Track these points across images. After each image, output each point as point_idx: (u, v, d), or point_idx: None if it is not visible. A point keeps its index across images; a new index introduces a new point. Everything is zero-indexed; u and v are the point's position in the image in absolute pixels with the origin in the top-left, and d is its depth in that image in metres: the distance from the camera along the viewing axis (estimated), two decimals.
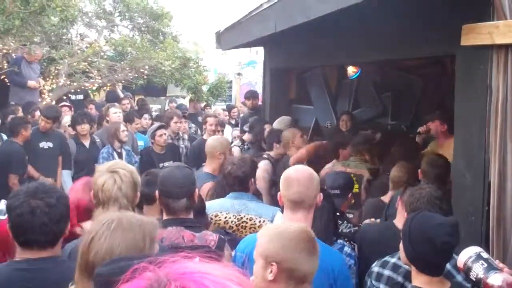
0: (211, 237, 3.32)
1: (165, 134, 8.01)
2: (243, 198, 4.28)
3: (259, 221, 4.11)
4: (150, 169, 4.74)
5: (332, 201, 4.00)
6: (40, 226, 2.55)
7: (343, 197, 4.64)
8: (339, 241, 3.81)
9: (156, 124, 8.56)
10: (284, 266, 2.42)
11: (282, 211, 3.50)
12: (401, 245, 2.96)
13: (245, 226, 4.13)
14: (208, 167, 5.56)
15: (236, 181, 4.32)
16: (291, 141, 6.36)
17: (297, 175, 3.20)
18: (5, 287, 2.55)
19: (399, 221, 3.78)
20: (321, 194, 3.27)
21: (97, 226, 2.15)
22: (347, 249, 3.79)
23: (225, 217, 4.17)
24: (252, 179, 4.44)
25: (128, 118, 9.30)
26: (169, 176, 3.48)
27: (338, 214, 4.26)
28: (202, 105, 13.15)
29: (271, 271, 2.45)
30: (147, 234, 2.12)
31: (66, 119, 9.03)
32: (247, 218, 4.17)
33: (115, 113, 9.07)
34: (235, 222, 4.16)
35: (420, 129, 6.90)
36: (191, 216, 3.44)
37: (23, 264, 2.59)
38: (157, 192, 3.47)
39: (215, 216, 4.19)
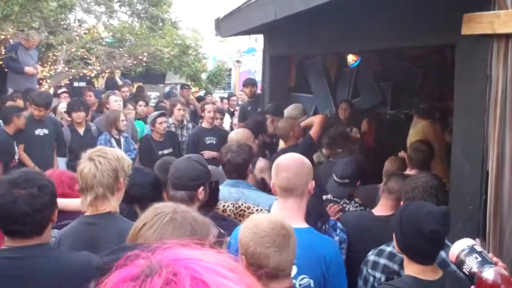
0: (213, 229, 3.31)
1: (165, 121, 8.02)
2: (240, 186, 4.29)
3: (257, 210, 4.11)
4: (157, 158, 4.78)
5: (321, 188, 4.09)
6: (22, 216, 2.52)
7: (352, 186, 4.69)
8: (331, 219, 3.89)
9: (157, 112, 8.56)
10: (251, 260, 2.38)
11: None
12: (394, 235, 2.96)
13: (243, 215, 4.12)
14: None
15: (235, 168, 4.33)
16: (290, 131, 6.31)
17: (287, 162, 3.18)
18: None
19: (379, 208, 4.05)
20: (313, 182, 3.23)
21: (151, 214, 2.15)
22: (339, 224, 3.86)
23: (223, 206, 4.16)
24: (250, 166, 4.44)
25: (124, 104, 9.36)
26: (173, 166, 3.54)
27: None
28: (193, 93, 13.10)
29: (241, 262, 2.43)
30: (197, 235, 2.07)
31: (63, 105, 9.02)
32: (245, 207, 4.18)
33: (115, 101, 9.07)
34: (233, 210, 4.17)
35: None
36: (193, 209, 3.43)
37: (8, 252, 2.58)
38: None
39: None
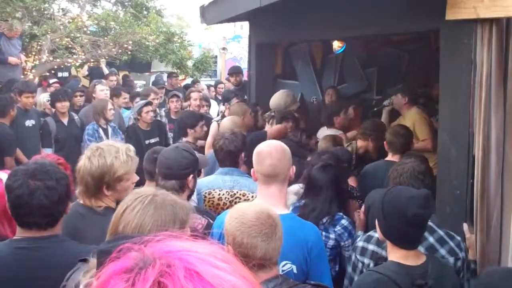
0: (199, 220, 3.33)
1: (151, 111, 7.98)
2: (233, 174, 4.28)
3: (252, 197, 4.10)
4: (144, 147, 4.73)
5: (337, 174, 4.09)
6: (39, 208, 2.53)
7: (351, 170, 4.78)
8: (340, 213, 3.92)
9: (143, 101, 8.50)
10: (238, 250, 2.37)
11: None
12: (376, 221, 2.98)
13: (239, 202, 4.10)
14: None
15: (228, 155, 4.32)
16: (242, 117, 6.19)
17: (270, 149, 3.20)
18: (7, 265, 2.54)
19: None
20: (293, 167, 3.27)
21: (131, 198, 2.16)
22: (344, 222, 3.89)
23: (219, 194, 4.16)
24: (242, 154, 4.43)
25: (115, 93, 9.26)
26: (162, 156, 3.54)
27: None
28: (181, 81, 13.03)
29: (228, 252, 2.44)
30: (178, 216, 2.11)
31: (44, 95, 8.94)
32: (240, 194, 4.18)
33: (102, 90, 9.02)
34: (228, 198, 4.17)
35: (384, 103, 7.16)
36: (183, 198, 3.44)
37: (23, 242, 2.58)
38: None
39: (209, 194, 4.19)
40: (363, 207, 4.31)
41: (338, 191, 4.01)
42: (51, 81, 10.54)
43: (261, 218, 2.43)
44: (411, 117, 6.62)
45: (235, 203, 4.10)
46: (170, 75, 12.52)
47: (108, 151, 3.14)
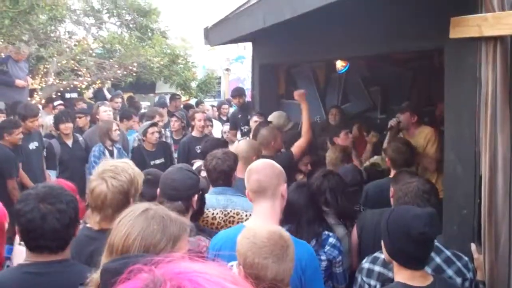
0: (203, 242, 3.32)
1: (157, 132, 8.02)
2: (226, 193, 4.27)
3: (246, 215, 4.09)
4: (148, 168, 4.74)
5: (315, 197, 4.11)
6: (51, 232, 2.52)
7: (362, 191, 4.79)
8: (325, 232, 3.89)
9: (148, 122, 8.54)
10: (249, 271, 2.37)
11: None
12: (382, 241, 2.95)
13: (233, 221, 4.12)
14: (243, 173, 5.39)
15: (221, 175, 4.32)
16: (272, 141, 6.10)
17: (257, 165, 3.27)
18: None
19: None
20: (285, 185, 3.27)
21: (126, 212, 2.17)
22: (332, 240, 3.87)
23: (212, 214, 4.14)
24: (234, 173, 4.44)
25: (125, 115, 9.31)
26: (166, 177, 3.53)
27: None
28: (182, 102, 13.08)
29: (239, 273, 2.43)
30: (168, 229, 2.08)
31: (50, 118, 8.98)
32: (234, 213, 4.16)
33: (105, 112, 9.06)
34: (222, 217, 4.15)
35: (391, 123, 6.69)
36: (187, 218, 3.43)
37: (33, 267, 2.57)
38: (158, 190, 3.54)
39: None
40: (355, 228, 4.30)
41: (318, 209, 4.02)
42: (55, 103, 10.60)
43: (272, 239, 2.43)
44: (424, 135, 6.47)
45: (229, 222, 4.12)
46: (173, 96, 12.56)
47: (121, 168, 3.15)
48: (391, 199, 4.09)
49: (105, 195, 3.03)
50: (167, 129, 9.45)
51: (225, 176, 4.33)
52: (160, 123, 8.92)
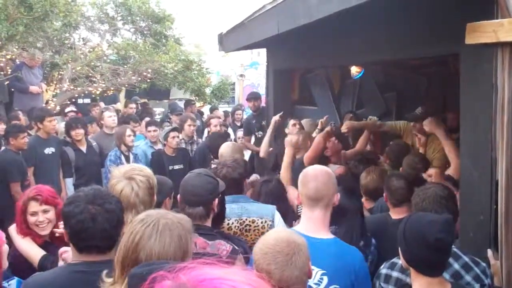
0: (223, 246, 3.30)
1: (177, 136, 8.06)
2: (239, 201, 4.23)
3: (261, 222, 4.10)
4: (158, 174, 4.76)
5: (360, 203, 4.18)
6: (101, 232, 2.59)
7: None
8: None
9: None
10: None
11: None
12: (399, 248, 2.94)
13: (249, 229, 4.09)
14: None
15: (233, 183, 4.24)
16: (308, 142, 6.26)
17: (315, 172, 3.26)
18: None
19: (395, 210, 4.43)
20: (338, 194, 3.30)
21: (140, 227, 2.20)
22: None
23: (228, 224, 4.09)
24: (246, 180, 4.45)
25: (125, 121, 9.38)
26: (187, 183, 3.52)
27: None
28: (197, 108, 13.15)
29: None
30: (187, 231, 2.20)
31: (63, 125, 9.03)
32: (249, 221, 4.13)
33: (110, 117, 9.11)
34: (238, 226, 4.11)
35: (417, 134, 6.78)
36: (208, 223, 3.45)
37: (81, 266, 2.62)
38: (167, 199, 3.71)
39: None
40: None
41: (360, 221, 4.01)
42: (66, 110, 10.66)
43: (278, 245, 2.43)
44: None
45: (246, 231, 4.10)
46: (188, 102, 12.59)
47: (137, 167, 3.40)
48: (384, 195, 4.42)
49: (136, 193, 3.15)
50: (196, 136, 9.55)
51: (236, 184, 4.28)
52: (192, 128, 8.99)
